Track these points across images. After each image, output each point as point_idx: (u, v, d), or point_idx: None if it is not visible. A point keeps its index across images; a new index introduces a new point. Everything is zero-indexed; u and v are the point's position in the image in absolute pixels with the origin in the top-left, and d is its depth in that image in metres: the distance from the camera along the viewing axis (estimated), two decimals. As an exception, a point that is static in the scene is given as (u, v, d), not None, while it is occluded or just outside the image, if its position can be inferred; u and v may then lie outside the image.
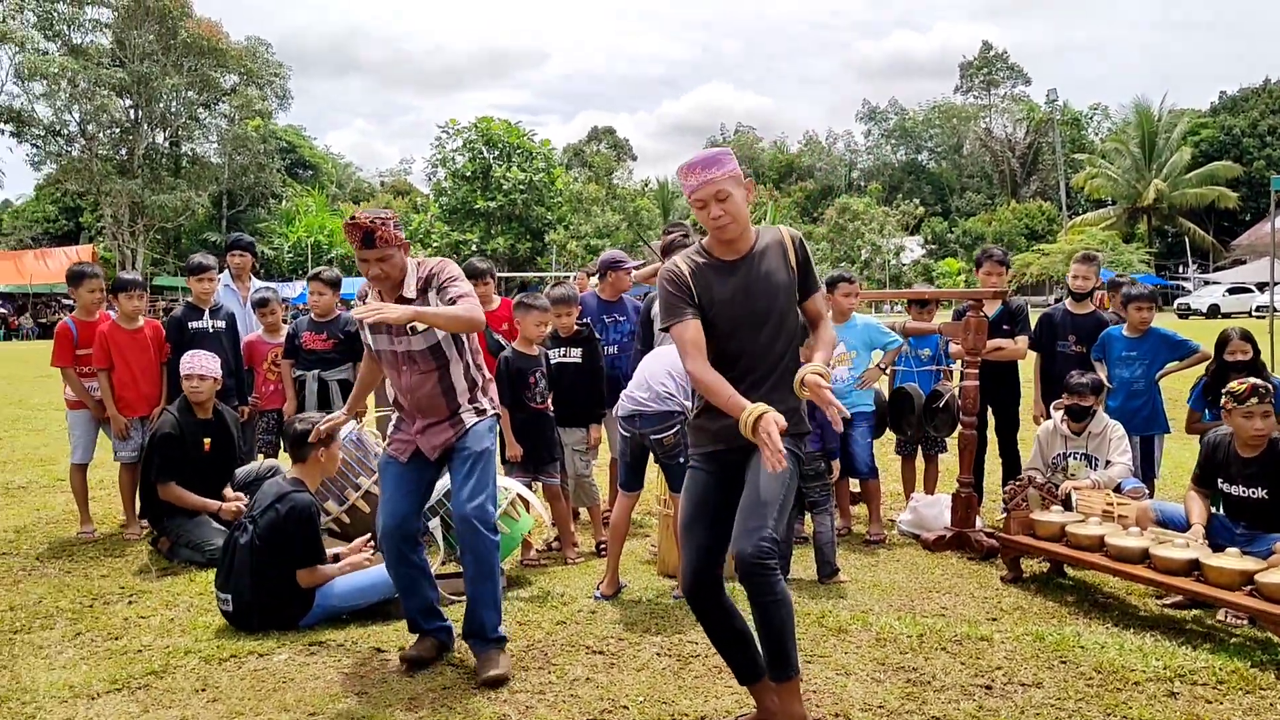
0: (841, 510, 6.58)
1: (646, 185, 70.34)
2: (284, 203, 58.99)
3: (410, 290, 4.05)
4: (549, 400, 5.86)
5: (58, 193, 56.98)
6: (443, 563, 5.42)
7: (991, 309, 6.55)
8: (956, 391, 6.21)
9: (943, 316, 7.24)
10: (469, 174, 52.73)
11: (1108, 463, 5.82)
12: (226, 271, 8.02)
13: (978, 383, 5.98)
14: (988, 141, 69.67)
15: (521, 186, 51.40)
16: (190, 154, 56.30)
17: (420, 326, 3.99)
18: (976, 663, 4.15)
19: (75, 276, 6.65)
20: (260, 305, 7.28)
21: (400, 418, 4.25)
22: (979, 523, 6.10)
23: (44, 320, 42.26)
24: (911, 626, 4.57)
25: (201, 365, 6.02)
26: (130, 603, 5.18)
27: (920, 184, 69.73)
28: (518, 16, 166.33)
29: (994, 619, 4.76)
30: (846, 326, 6.32)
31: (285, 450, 5.41)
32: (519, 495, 5.34)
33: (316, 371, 6.79)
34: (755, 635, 3.32)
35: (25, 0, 49.24)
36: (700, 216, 3.35)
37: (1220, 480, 4.96)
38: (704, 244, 3.47)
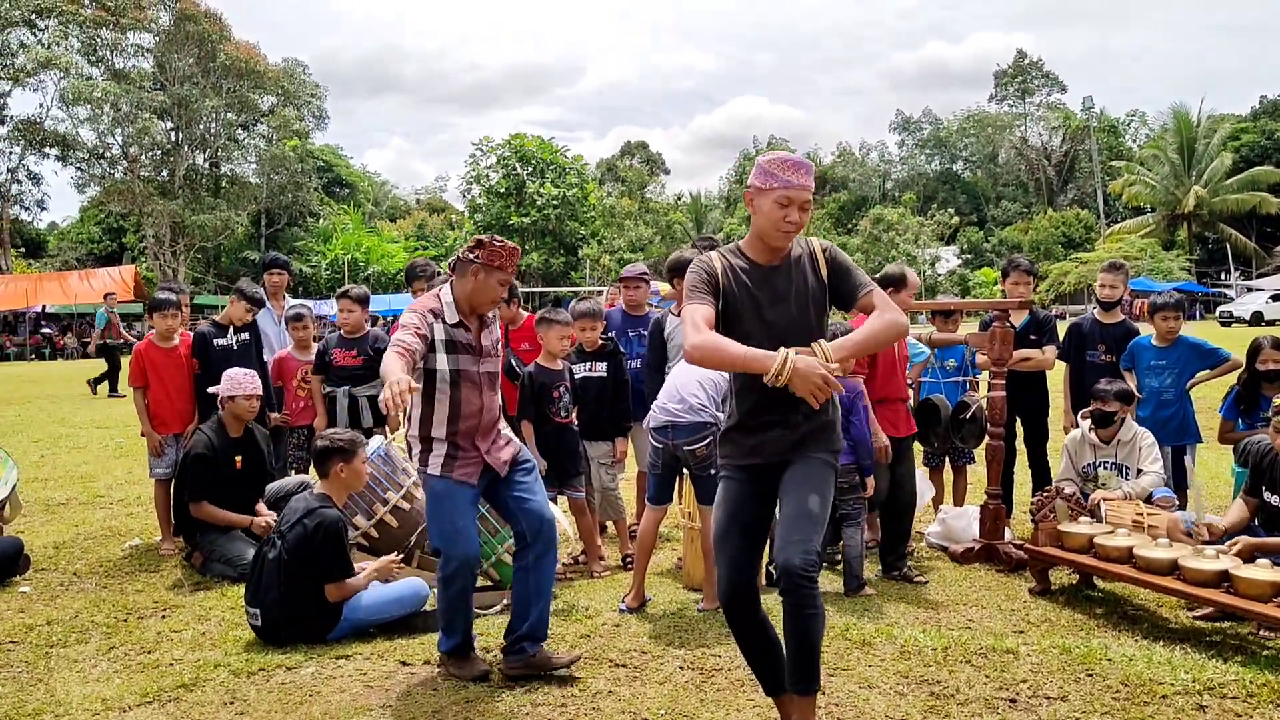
0: (871, 523, 6.56)
1: (680, 199, 70.49)
2: (321, 221, 59.63)
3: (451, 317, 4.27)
4: (573, 414, 5.89)
5: (102, 214, 58.01)
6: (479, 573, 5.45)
7: (1018, 319, 6.51)
8: (983, 402, 6.18)
9: (968, 327, 7.18)
10: (503, 190, 53.16)
11: (1139, 472, 5.76)
12: (262, 290, 8.14)
13: (1004, 393, 5.94)
14: (1023, 150, 69.17)
15: (555, 202, 51.72)
16: (229, 174, 57.21)
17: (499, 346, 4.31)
18: (1001, 676, 4.12)
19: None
20: (294, 320, 7.39)
21: (456, 444, 4.20)
22: (1008, 534, 6.06)
23: (87, 340, 42.94)
24: (936, 639, 4.54)
25: (250, 385, 6.13)
26: (164, 617, 5.27)
27: (955, 193, 69.27)
28: (553, 33, 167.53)
29: (1020, 631, 4.73)
30: None
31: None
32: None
33: (346, 388, 6.89)
34: (784, 647, 3.31)
35: (69, 27, 50.37)
36: (773, 215, 3.31)
37: (1265, 490, 4.89)
38: (741, 245, 3.47)
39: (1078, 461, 5.97)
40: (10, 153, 51.34)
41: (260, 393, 6.18)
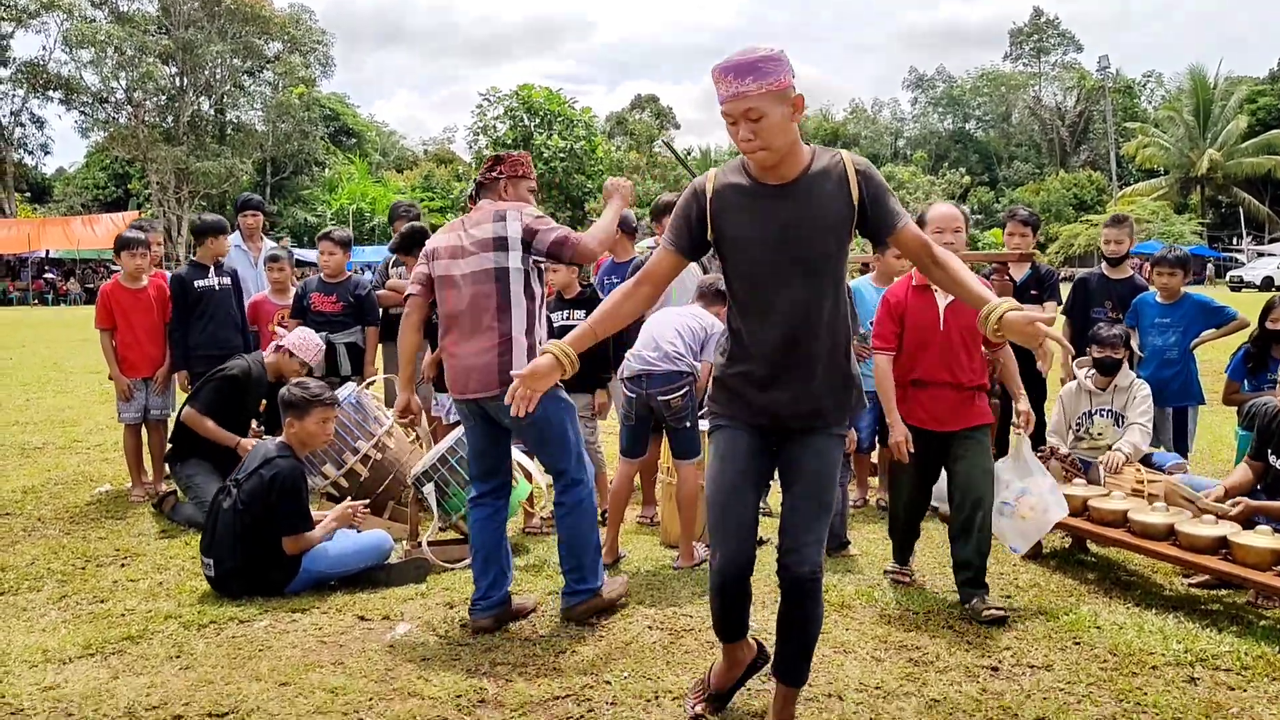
0: (860, 481, 6.37)
1: (689, 154, 69.78)
2: (327, 170, 59.17)
3: None
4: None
5: (107, 160, 57.63)
6: (445, 528, 5.27)
7: (1019, 273, 6.26)
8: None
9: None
10: (509, 142, 52.49)
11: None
12: (237, 232, 7.92)
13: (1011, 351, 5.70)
14: (1037, 110, 68.18)
15: (562, 154, 51.10)
16: (235, 121, 56.76)
17: None
18: (984, 643, 3.92)
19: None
20: (271, 261, 7.17)
21: None
22: (1001, 496, 5.84)
23: (90, 286, 42.82)
24: (919, 603, 4.35)
25: (312, 354, 6.04)
26: (123, 565, 5.09)
27: (967, 153, 68.44)
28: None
29: (1007, 596, 4.53)
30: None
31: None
32: (517, 462, 5.16)
33: (324, 334, 6.66)
34: (777, 635, 3.04)
35: (73, -33, 49.77)
36: (730, 135, 2.73)
37: (1271, 454, 4.65)
38: (745, 161, 2.84)
39: (1071, 412, 5.71)
40: (13, 95, 51.02)
41: (315, 363, 6.10)
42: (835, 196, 2.77)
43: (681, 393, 4.75)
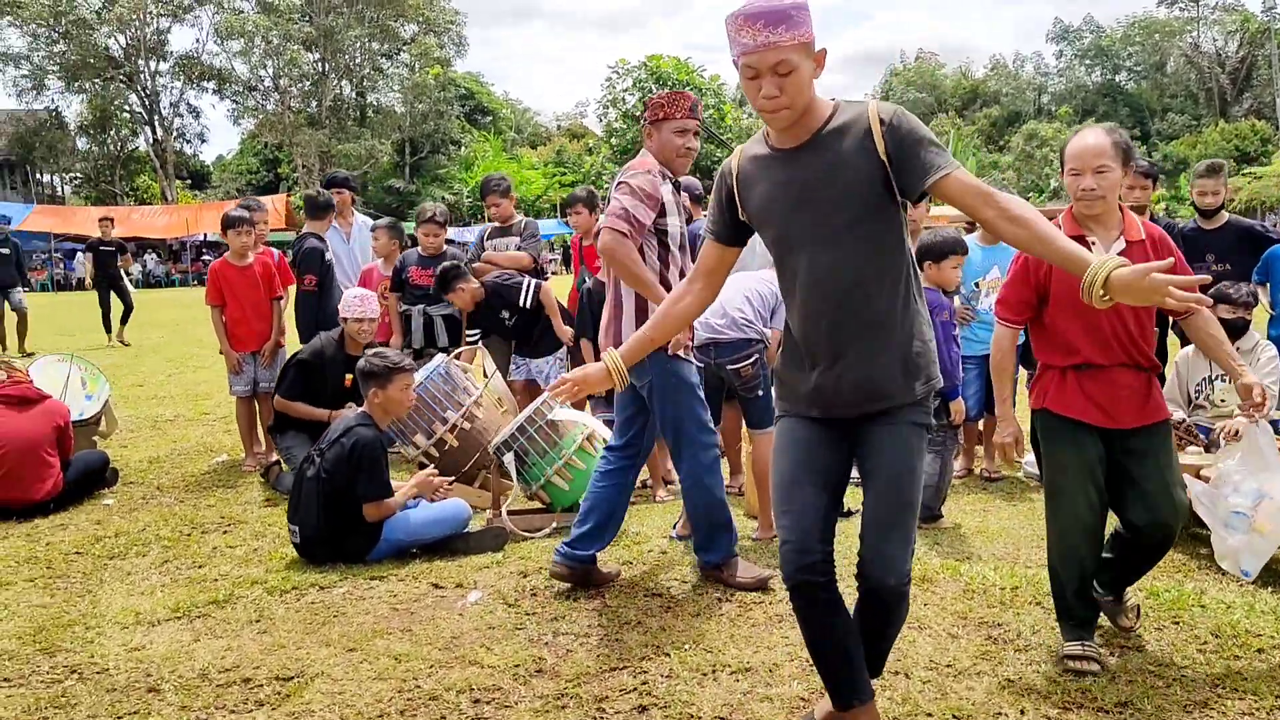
0: (967, 450, 6.12)
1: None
2: (463, 149, 60.35)
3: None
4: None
5: (259, 145, 60.17)
6: (529, 497, 5.30)
7: (1136, 229, 5.87)
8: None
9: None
10: (639, 114, 52.52)
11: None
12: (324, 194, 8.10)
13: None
14: (1194, 58, 64.05)
15: (691, 124, 50.88)
16: (374, 103, 58.45)
17: None
18: (1072, 620, 3.69)
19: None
20: (388, 228, 7.38)
21: None
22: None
23: (242, 266, 44.88)
24: (1008, 578, 4.13)
25: (371, 308, 6.09)
26: (225, 532, 5.29)
27: (1117, 106, 64.84)
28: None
29: (1107, 571, 4.26)
30: (999, 249, 5.83)
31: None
32: (595, 432, 5.14)
33: (422, 306, 6.78)
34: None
35: (221, -38, 52.06)
36: (747, 90, 2.50)
37: None
38: (766, 129, 2.65)
39: (1189, 379, 5.33)
40: (171, 87, 53.76)
41: (377, 317, 6.16)
42: (857, 152, 2.48)
43: (750, 360, 4.61)
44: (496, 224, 6.97)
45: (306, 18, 52.87)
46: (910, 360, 2.59)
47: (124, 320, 15.41)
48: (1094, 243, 3.22)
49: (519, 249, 6.79)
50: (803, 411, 2.69)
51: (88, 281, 15.81)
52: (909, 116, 2.50)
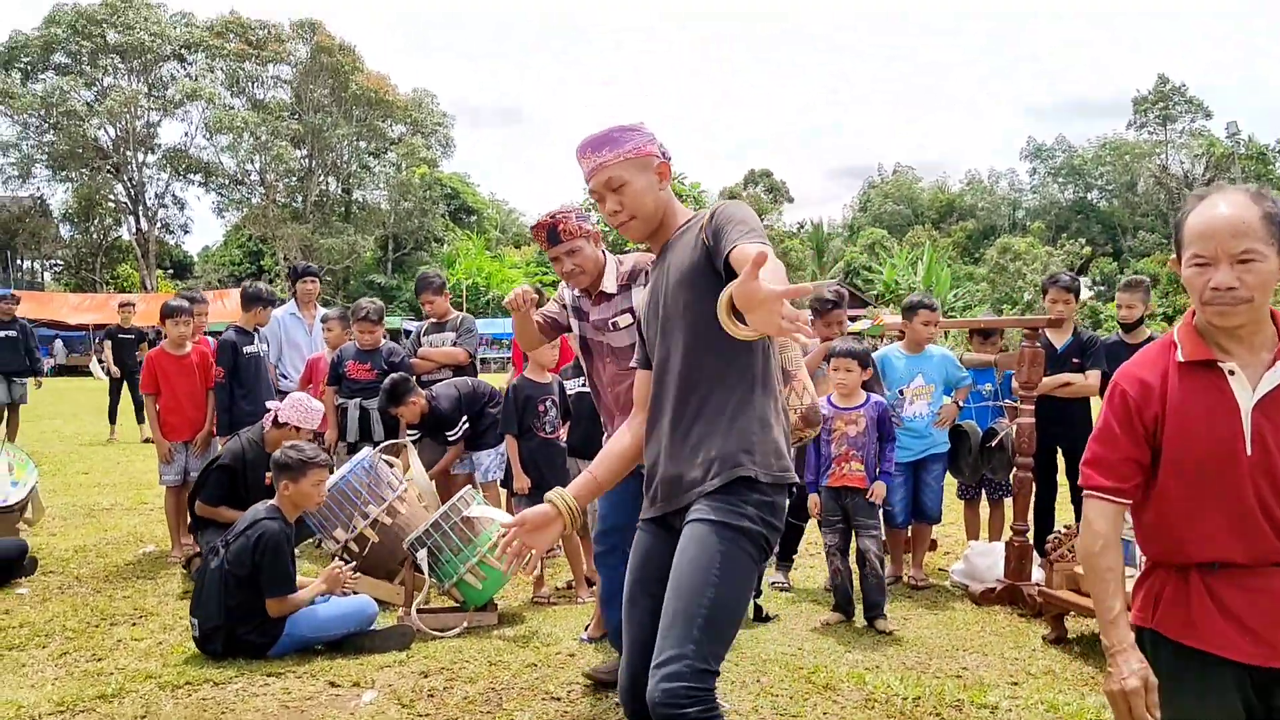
0: (895, 557, 6.09)
1: (801, 227, 69.68)
2: (445, 246, 61.01)
3: (610, 284, 3.91)
4: (560, 429, 5.62)
5: (243, 237, 60.69)
6: (441, 594, 5.23)
7: (1060, 340, 5.97)
8: (1012, 430, 5.65)
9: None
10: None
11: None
12: (293, 299, 8.17)
13: (1034, 420, 5.42)
14: (1163, 179, 65.85)
15: (670, 228, 51.71)
16: (360, 200, 59.23)
17: (624, 322, 3.86)
18: (968, 733, 3.65)
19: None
20: (324, 321, 7.37)
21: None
22: (1037, 575, 5.50)
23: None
24: (912, 688, 4.08)
25: (312, 421, 5.97)
26: (134, 624, 5.18)
27: (1089, 223, 66.43)
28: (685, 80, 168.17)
29: (1015, 683, 4.21)
30: (923, 357, 5.88)
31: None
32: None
33: (358, 400, 6.77)
34: None
35: (215, 60, 53.25)
36: (603, 214, 2.63)
37: None
38: None
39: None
40: (158, 178, 54.36)
41: (315, 428, 6.11)
42: (691, 246, 2.47)
43: None
44: (433, 320, 7.03)
45: (295, 115, 53.87)
46: (736, 457, 2.35)
47: (139, 417, 13.30)
48: (1232, 372, 2.08)
49: (455, 344, 6.84)
50: (645, 514, 2.56)
51: (112, 369, 13.71)
52: (738, 206, 2.40)
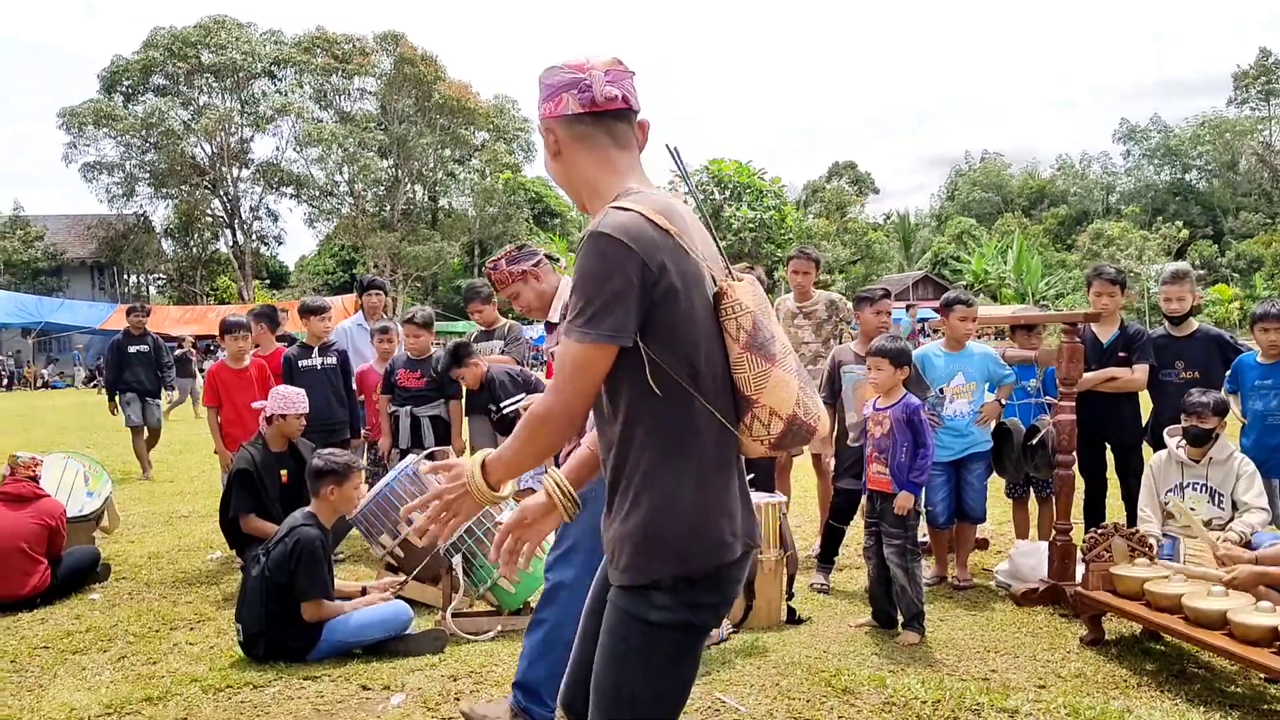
0: (938, 558, 6.02)
1: (888, 218, 68.75)
2: (530, 249, 61.64)
3: (555, 314, 4.07)
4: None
5: (336, 247, 62.29)
6: (477, 598, 5.35)
7: (1107, 334, 5.84)
8: (1053, 427, 5.54)
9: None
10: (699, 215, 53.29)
11: (1233, 503, 4.96)
12: (360, 311, 8.41)
13: (1074, 416, 5.32)
14: (1266, 156, 63.28)
15: (751, 225, 51.43)
16: (446, 207, 60.34)
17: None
18: (982, 737, 3.62)
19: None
20: (381, 332, 7.57)
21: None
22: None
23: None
24: (933, 691, 4.06)
25: (298, 405, 6.21)
26: (191, 629, 5.41)
27: (1188, 205, 64.15)
28: (764, 54, 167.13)
29: (1042, 686, 4.16)
30: (963, 355, 5.80)
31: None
32: (544, 533, 5.19)
33: (409, 408, 6.95)
34: None
35: (304, 76, 54.80)
36: None
37: None
38: None
39: (1161, 484, 5.19)
40: (252, 192, 56.16)
41: (306, 410, 6.27)
42: None
43: None
44: (482, 328, 7.18)
45: (381, 126, 55.10)
46: (628, 544, 2.08)
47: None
48: None
49: (503, 352, 6.97)
50: None
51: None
52: (579, 268, 2.08)
